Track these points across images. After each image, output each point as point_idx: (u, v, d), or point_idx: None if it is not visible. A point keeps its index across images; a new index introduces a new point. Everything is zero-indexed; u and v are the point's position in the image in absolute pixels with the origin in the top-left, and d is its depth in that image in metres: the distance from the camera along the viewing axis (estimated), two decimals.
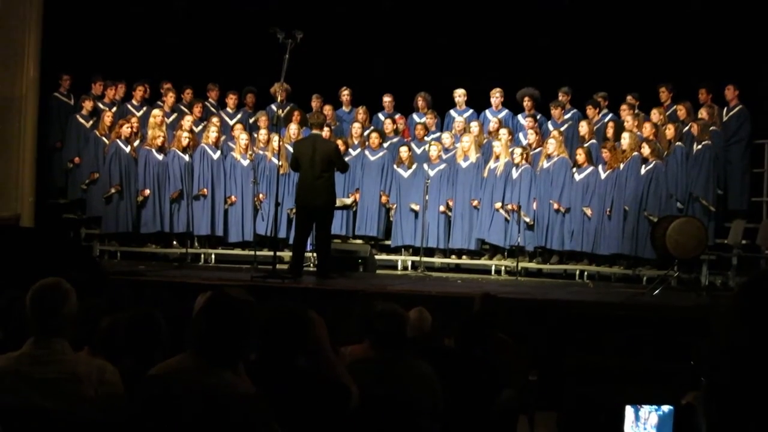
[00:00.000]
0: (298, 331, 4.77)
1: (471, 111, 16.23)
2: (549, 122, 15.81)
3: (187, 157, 15.17)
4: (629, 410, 4.91)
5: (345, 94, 16.70)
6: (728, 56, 15.05)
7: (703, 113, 14.48)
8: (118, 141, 15.21)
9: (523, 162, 14.66)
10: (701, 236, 12.56)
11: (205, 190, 15.29)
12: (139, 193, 15.23)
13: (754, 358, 2.42)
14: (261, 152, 15.40)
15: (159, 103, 16.43)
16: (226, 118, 16.50)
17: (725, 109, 14.93)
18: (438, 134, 15.86)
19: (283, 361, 4.72)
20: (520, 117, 15.91)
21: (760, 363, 2.41)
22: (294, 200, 13.82)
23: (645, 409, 4.91)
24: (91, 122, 15.95)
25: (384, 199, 15.41)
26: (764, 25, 14.36)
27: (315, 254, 13.80)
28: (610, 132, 14.77)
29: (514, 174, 14.65)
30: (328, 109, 16.08)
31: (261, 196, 15.22)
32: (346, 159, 14.45)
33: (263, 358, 4.72)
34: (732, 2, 15.19)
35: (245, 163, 15.28)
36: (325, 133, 13.99)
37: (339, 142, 14.66)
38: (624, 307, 11.31)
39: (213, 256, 15.50)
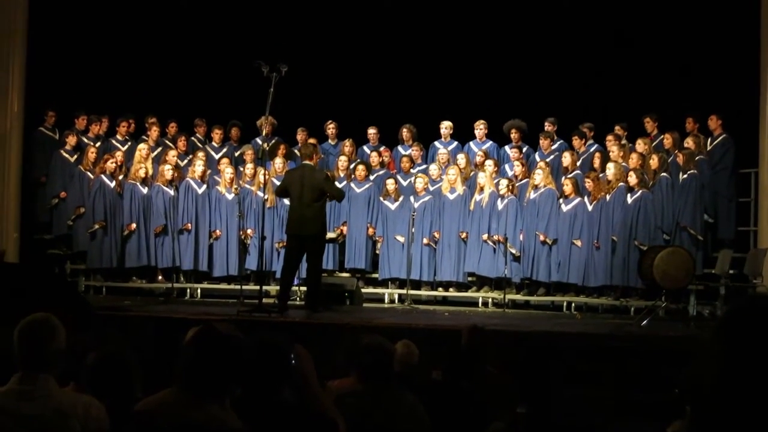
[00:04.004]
0: (281, 364, 4.75)
1: (456, 143, 16.26)
2: (536, 153, 15.83)
3: (171, 191, 15.13)
4: None
5: (331, 128, 16.70)
6: (715, 86, 15.12)
7: (689, 142, 14.50)
8: (102, 176, 15.17)
9: (509, 193, 14.66)
10: (689, 266, 12.56)
11: (189, 224, 15.26)
12: (125, 227, 15.20)
13: (737, 386, 2.42)
14: (247, 186, 15.39)
15: (143, 137, 16.41)
16: (212, 152, 16.49)
17: (709, 138, 14.98)
18: (424, 166, 15.88)
19: (268, 395, 4.70)
20: (507, 148, 15.94)
21: (743, 391, 2.41)
22: (284, 231, 13.79)
23: None
24: (75, 157, 15.91)
25: (371, 231, 15.40)
26: (750, 55, 14.43)
27: (302, 288, 13.78)
28: (597, 162, 14.79)
29: (500, 205, 14.64)
30: (313, 142, 16.08)
31: (249, 231, 15.20)
32: None
33: (248, 392, 4.69)
34: (717, 32, 15.27)
35: (230, 197, 15.27)
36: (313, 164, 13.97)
37: None
38: (612, 338, 11.29)
39: (199, 291, 15.46)
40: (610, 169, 14.18)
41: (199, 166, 15.41)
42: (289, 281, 13.34)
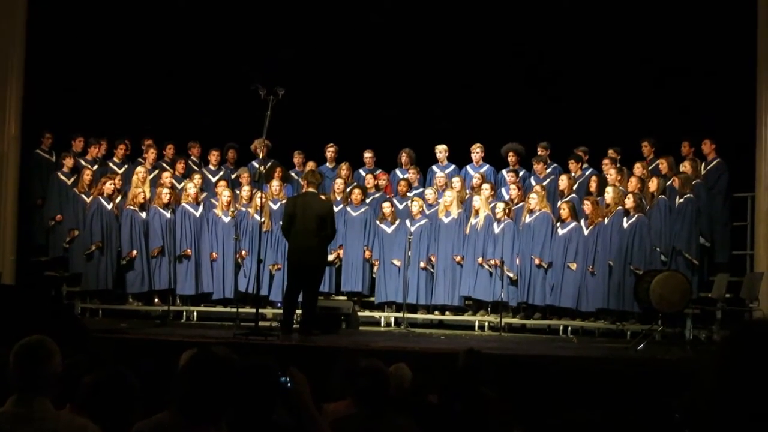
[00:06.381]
0: (270, 386, 4.74)
1: (453, 167, 16.25)
2: (532, 177, 15.84)
3: (168, 214, 15.12)
4: None
5: (330, 150, 16.65)
6: (710, 110, 15.15)
7: (686, 166, 14.51)
8: (99, 198, 15.17)
9: (505, 217, 14.66)
10: (685, 290, 12.56)
11: (189, 250, 15.25)
12: (127, 254, 15.18)
13: (736, 411, 2.42)
14: (243, 209, 15.37)
15: (140, 160, 16.41)
16: (209, 175, 16.49)
17: (703, 163, 14.99)
18: (420, 190, 15.87)
19: (260, 417, 4.69)
20: (504, 172, 15.95)
21: (743, 416, 2.41)
22: (287, 257, 13.63)
23: None
24: (72, 179, 15.92)
25: (368, 254, 15.38)
26: (746, 78, 14.46)
27: (298, 311, 13.73)
28: (593, 186, 14.79)
29: (496, 229, 14.64)
30: (311, 165, 16.06)
31: (243, 252, 15.19)
32: None
33: (241, 415, 4.68)
34: (713, 56, 15.31)
35: (227, 219, 15.24)
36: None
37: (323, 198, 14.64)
38: (608, 362, 11.27)
39: (195, 314, 15.42)
40: (609, 193, 14.19)
41: (191, 188, 15.39)
42: (293, 305, 13.24)
